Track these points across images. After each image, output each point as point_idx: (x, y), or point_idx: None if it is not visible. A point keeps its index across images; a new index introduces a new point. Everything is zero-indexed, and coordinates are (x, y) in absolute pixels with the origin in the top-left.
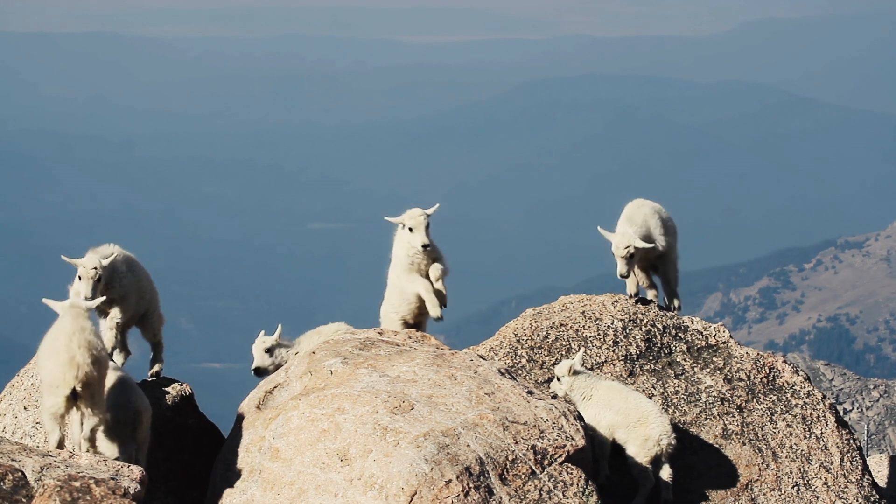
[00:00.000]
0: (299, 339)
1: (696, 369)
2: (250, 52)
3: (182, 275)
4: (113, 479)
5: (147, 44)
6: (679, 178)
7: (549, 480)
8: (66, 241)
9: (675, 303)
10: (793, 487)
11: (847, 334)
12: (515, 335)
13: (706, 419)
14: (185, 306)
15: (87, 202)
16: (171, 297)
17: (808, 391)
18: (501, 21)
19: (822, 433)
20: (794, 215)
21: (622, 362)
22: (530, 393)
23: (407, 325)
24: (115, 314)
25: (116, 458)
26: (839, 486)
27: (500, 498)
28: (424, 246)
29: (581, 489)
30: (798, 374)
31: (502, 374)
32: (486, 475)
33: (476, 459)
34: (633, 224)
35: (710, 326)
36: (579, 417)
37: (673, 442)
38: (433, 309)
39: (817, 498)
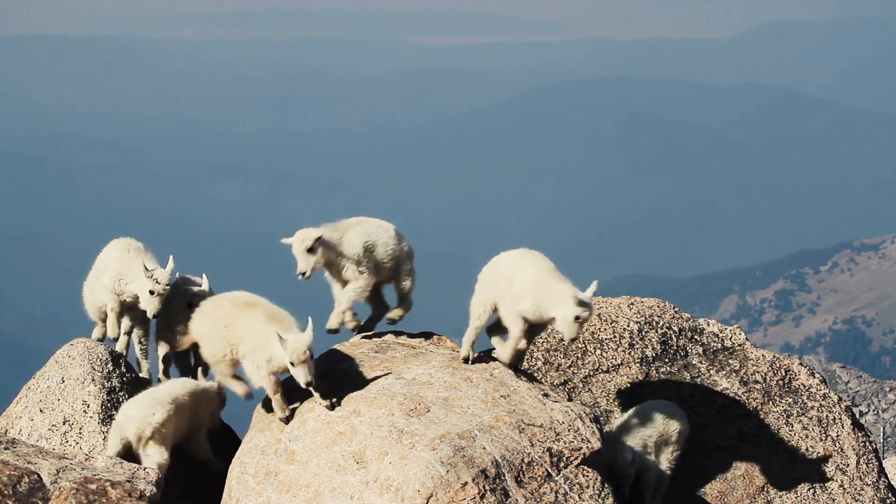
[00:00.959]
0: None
1: (711, 372)
2: (260, 55)
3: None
4: (129, 481)
5: (154, 47)
6: (693, 181)
7: (564, 483)
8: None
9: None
10: (809, 490)
11: (863, 336)
12: None
13: (722, 422)
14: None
15: (100, 206)
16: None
17: (824, 393)
18: (515, 24)
19: (838, 435)
20: (809, 218)
21: (638, 365)
22: (546, 395)
23: None
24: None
25: None
26: (855, 489)
27: (516, 500)
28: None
29: (597, 492)
30: (814, 377)
31: (518, 376)
32: (502, 477)
33: (492, 462)
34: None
35: (725, 329)
36: (595, 420)
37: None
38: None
39: (833, 500)
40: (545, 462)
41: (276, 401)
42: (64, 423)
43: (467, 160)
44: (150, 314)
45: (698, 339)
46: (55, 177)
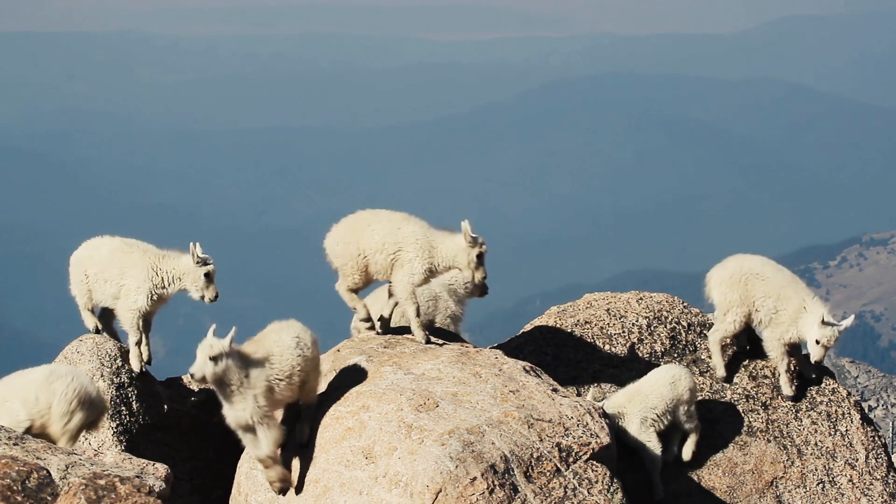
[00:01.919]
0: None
1: None
2: (263, 51)
3: None
4: (138, 476)
5: (158, 43)
6: (701, 176)
7: (573, 478)
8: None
9: None
10: (818, 484)
11: (872, 332)
12: (540, 333)
13: (731, 416)
14: (210, 305)
15: (107, 200)
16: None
17: (832, 388)
18: (519, 19)
19: (847, 430)
20: (818, 212)
21: (647, 360)
22: (555, 390)
23: None
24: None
25: None
26: (864, 483)
27: (525, 495)
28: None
29: (606, 486)
30: (823, 371)
31: (527, 371)
32: (511, 473)
33: (501, 457)
34: None
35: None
36: (604, 415)
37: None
38: None
39: (842, 495)
40: (554, 457)
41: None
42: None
43: (473, 156)
44: (210, 298)
45: (707, 333)
46: (62, 172)
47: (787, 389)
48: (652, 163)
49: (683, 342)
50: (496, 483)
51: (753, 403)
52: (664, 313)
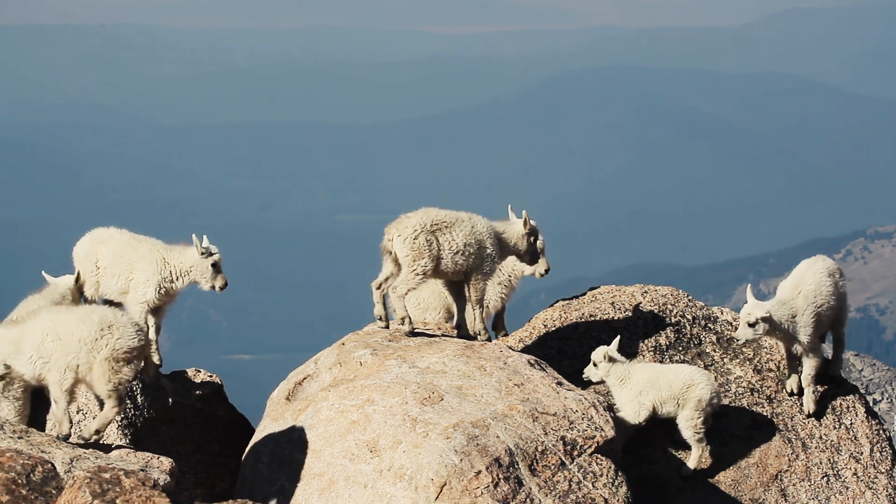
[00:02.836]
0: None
1: (725, 360)
2: (268, 45)
3: None
4: (143, 470)
5: (163, 36)
6: (706, 169)
7: (578, 471)
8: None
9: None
10: (822, 478)
11: (877, 325)
12: (545, 326)
13: (736, 410)
14: (214, 298)
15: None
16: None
17: (837, 381)
18: (525, 12)
19: (851, 423)
20: (823, 206)
21: (651, 353)
22: (560, 384)
23: None
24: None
25: None
26: (869, 477)
27: (530, 489)
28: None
29: (611, 480)
30: (828, 365)
31: (531, 365)
32: (516, 466)
33: (505, 450)
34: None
35: (739, 317)
36: (609, 408)
37: (721, 396)
38: None
39: (847, 488)
40: (559, 450)
41: None
42: (77, 413)
43: (478, 150)
44: (220, 287)
45: (712, 327)
46: (61, 166)
47: None
48: (657, 156)
49: (688, 335)
50: (501, 476)
51: (758, 397)
52: (669, 306)
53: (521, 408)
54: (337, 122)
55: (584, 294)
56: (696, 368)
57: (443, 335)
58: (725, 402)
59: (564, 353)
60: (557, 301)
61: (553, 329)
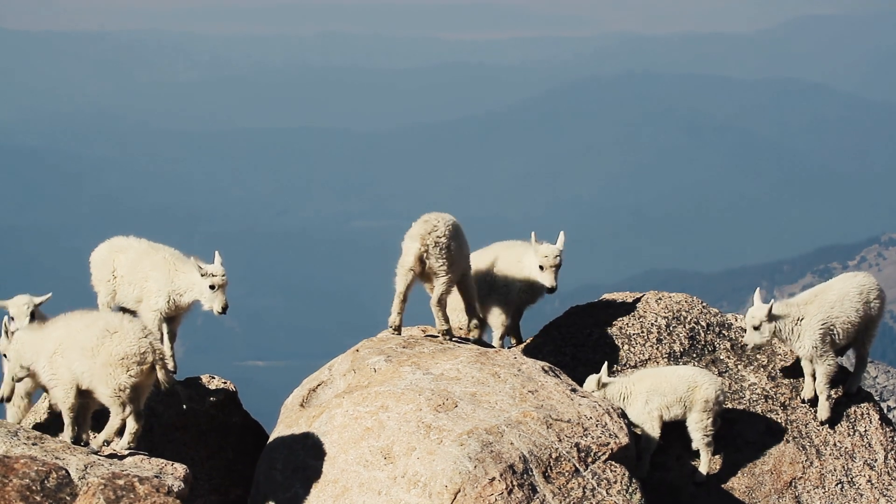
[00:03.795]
0: None
1: (739, 367)
2: (281, 51)
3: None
4: (157, 476)
5: (175, 42)
6: (721, 176)
7: (592, 478)
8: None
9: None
10: (836, 485)
11: (891, 331)
12: (559, 333)
13: (750, 416)
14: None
15: (121, 203)
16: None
17: (851, 395)
18: (540, 19)
19: (865, 430)
20: (837, 212)
21: (665, 360)
22: (574, 391)
23: None
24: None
25: None
26: (883, 484)
27: (544, 496)
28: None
29: (625, 487)
30: (842, 372)
31: (545, 371)
32: (530, 473)
33: (520, 457)
34: None
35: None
36: (623, 415)
37: (726, 394)
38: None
39: (861, 495)
40: (573, 457)
41: None
42: (91, 419)
43: (491, 157)
44: (217, 310)
45: (726, 334)
46: (71, 174)
47: None
48: (671, 162)
49: (702, 342)
50: (515, 483)
51: (772, 404)
52: (683, 313)
53: (536, 414)
54: (351, 129)
55: (599, 301)
56: (697, 369)
57: (457, 341)
58: (740, 408)
59: (578, 359)
60: (571, 308)
61: (567, 336)
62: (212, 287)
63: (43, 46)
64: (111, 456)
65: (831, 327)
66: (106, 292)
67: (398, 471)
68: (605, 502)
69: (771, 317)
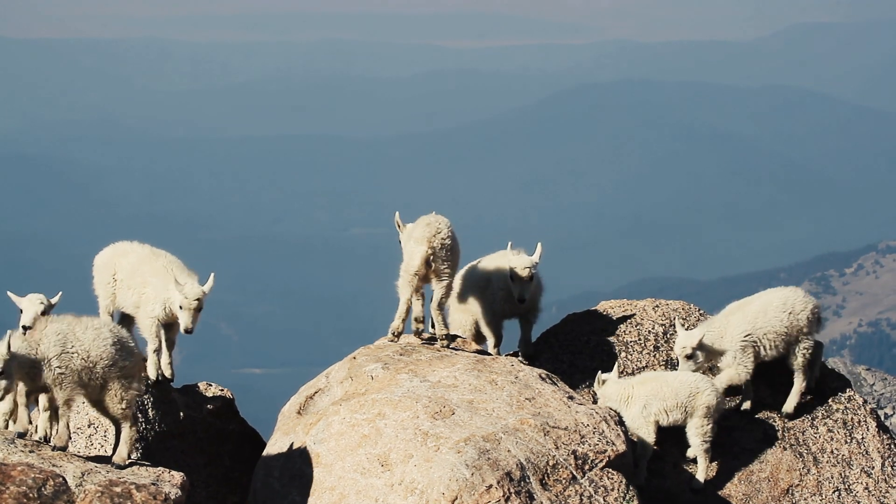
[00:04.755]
0: None
1: None
2: (280, 58)
3: (222, 280)
4: (154, 484)
5: (174, 50)
6: (718, 183)
7: (589, 486)
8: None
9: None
10: (834, 492)
11: (888, 339)
12: (556, 340)
13: (747, 424)
14: (225, 312)
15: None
16: (212, 303)
17: (849, 396)
18: (538, 26)
19: (863, 438)
20: (834, 220)
21: (663, 367)
22: (571, 398)
23: None
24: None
25: None
26: (880, 491)
27: (541, 503)
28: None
29: (622, 494)
30: (839, 379)
31: (543, 379)
32: (527, 480)
33: (517, 465)
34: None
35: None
36: (620, 422)
37: (724, 400)
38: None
39: (858, 503)
40: (570, 465)
41: None
42: (89, 427)
43: (488, 164)
44: (183, 328)
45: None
46: (72, 181)
47: None
48: (668, 169)
49: None
50: (512, 491)
51: (769, 411)
52: (680, 321)
53: (533, 422)
54: (349, 136)
55: (596, 308)
56: (698, 375)
57: (454, 349)
58: (737, 416)
59: (575, 367)
60: (569, 315)
61: (564, 343)
62: (181, 307)
63: (43, 55)
64: (100, 459)
65: (755, 341)
66: (105, 296)
67: (395, 478)
68: None
69: (701, 344)
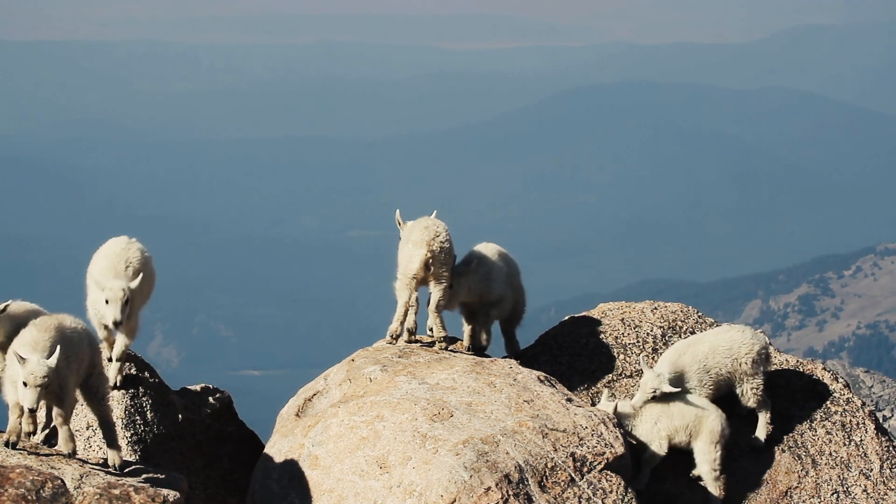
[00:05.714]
0: None
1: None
2: (279, 60)
3: (221, 282)
4: (152, 486)
5: (172, 52)
6: (716, 185)
7: (588, 488)
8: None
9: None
10: (832, 495)
11: (886, 341)
12: (555, 342)
13: (746, 426)
14: (224, 314)
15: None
16: (211, 305)
17: (847, 398)
18: (537, 28)
19: (861, 440)
20: (833, 222)
21: None
22: (569, 400)
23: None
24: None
25: None
26: (879, 494)
27: None
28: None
29: (620, 496)
30: (837, 381)
31: (541, 381)
32: (526, 482)
33: (515, 467)
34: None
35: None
36: (619, 425)
37: (728, 426)
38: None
39: None
40: (568, 467)
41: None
42: (87, 429)
43: (488, 166)
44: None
45: None
46: (72, 183)
47: None
48: (667, 171)
49: None
50: (510, 493)
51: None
52: (679, 323)
53: (531, 424)
54: (347, 138)
55: (594, 310)
56: (703, 400)
57: (452, 351)
58: (735, 418)
59: (574, 369)
60: (567, 317)
61: (563, 345)
62: (106, 301)
63: (41, 56)
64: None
65: (702, 379)
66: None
67: (394, 480)
68: None
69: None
